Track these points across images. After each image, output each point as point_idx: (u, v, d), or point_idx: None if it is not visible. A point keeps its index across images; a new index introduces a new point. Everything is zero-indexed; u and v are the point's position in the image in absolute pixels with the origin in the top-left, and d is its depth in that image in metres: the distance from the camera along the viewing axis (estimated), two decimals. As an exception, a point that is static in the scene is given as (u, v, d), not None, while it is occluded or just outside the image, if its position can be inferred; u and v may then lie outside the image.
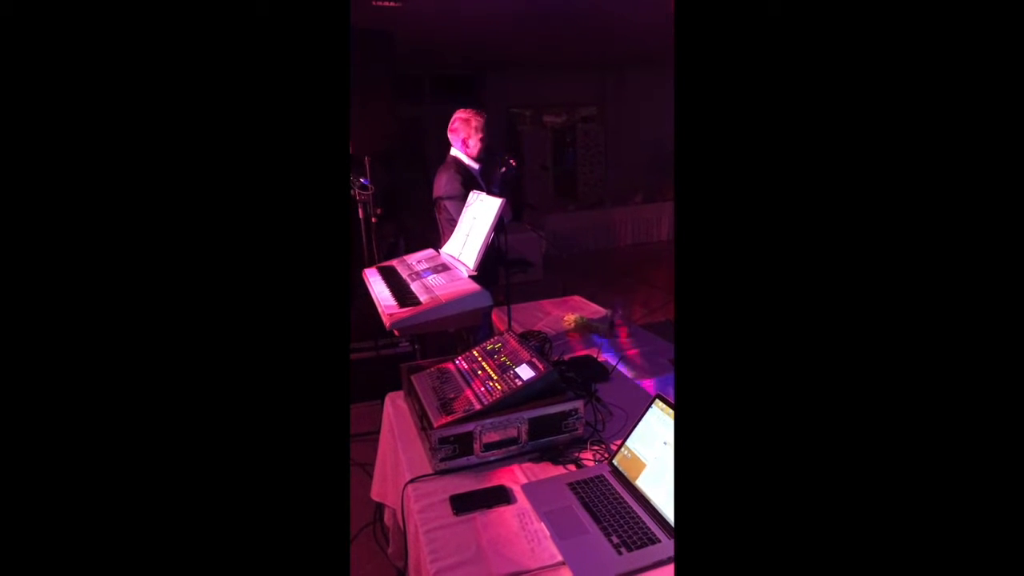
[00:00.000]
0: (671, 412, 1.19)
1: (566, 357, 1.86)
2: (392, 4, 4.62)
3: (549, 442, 1.34)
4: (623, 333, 2.82)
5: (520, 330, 2.97)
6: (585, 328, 2.87)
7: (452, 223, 2.23)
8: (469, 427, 1.26)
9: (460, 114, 2.41)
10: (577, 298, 3.49)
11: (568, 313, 3.07)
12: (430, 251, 2.26)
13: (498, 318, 3.16)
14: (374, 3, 4.53)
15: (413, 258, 2.22)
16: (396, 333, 1.67)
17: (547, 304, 3.38)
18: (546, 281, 6.12)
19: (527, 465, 1.30)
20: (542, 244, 6.33)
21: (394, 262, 2.23)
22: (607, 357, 2.20)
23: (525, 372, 1.38)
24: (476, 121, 2.40)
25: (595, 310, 3.23)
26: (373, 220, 3.07)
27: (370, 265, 2.32)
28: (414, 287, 1.84)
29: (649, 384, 2.19)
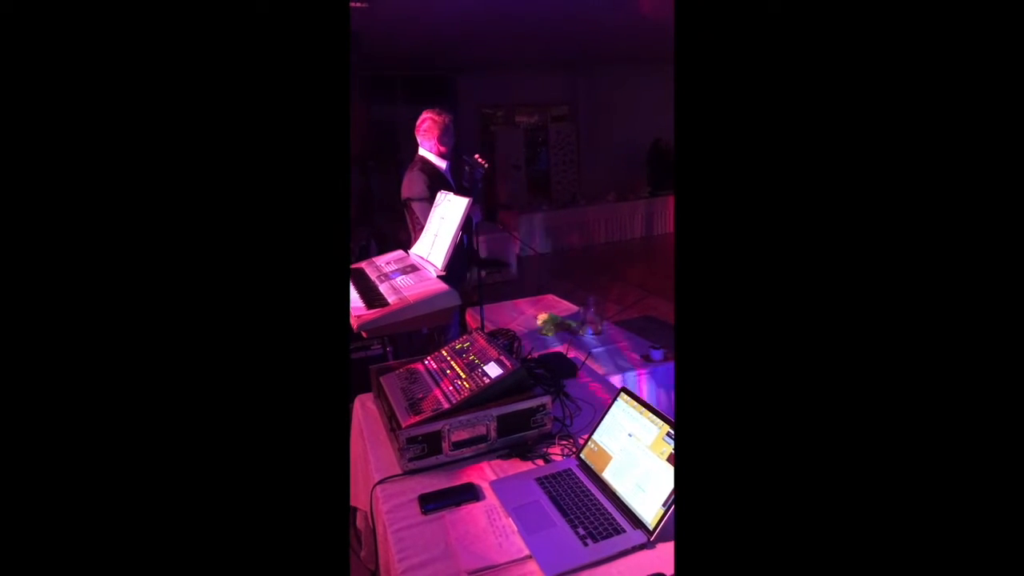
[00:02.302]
0: (635, 405, 1.21)
1: (535, 354, 1.87)
2: (360, 5, 4.60)
3: (518, 438, 1.35)
4: (594, 330, 2.84)
5: (493, 329, 2.98)
6: (558, 326, 2.89)
7: (419, 224, 2.23)
8: (437, 426, 1.27)
9: (428, 114, 2.41)
10: (551, 297, 3.51)
11: (541, 312, 3.09)
12: (399, 252, 2.25)
13: (472, 318, 3.16)
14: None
15: (382, 260, 2.21)
16: (364, 335, 1.67)
17: (521, 303, 3.40)
18: (521, 280, 6.15)
19: (496, 462, 1.30)
20: (516, 244, 6.35)
21: (363, 264, 2.22)
22: (577, 354, 2.23)
23: (493, 370, 1.39)
24: (444, 120, 2.40)
25: (568, 308, 3.26)
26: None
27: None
28: (382, 288, 1.84)
29: (618, 380, 2.22)
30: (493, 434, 1.32)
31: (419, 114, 2.49)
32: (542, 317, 3.01)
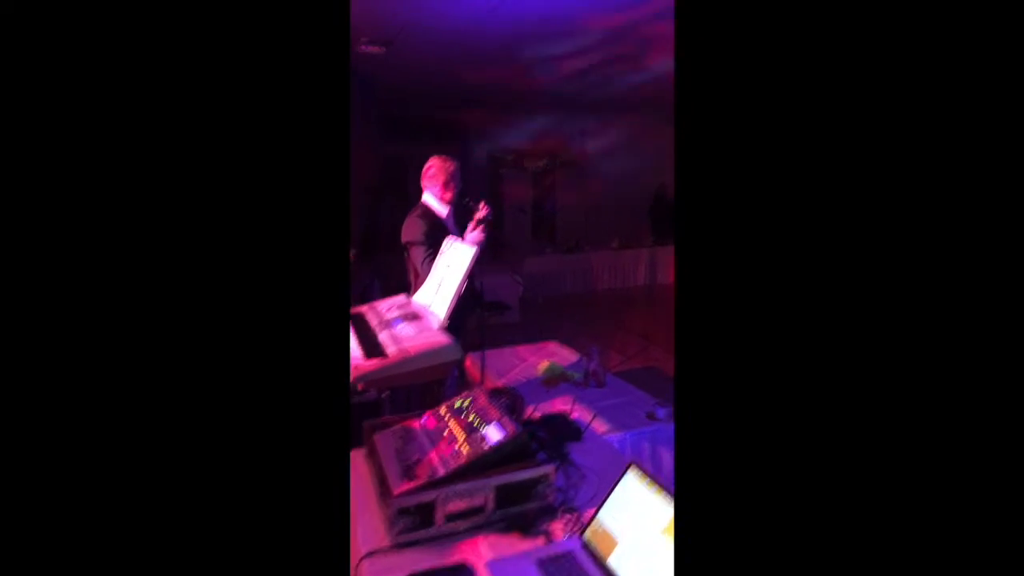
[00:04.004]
0: (645, 481, 1.12)
1: (537, 414, 1.79)
2: (377, 50, 4.70)
3: (518, 511, 1.25)
4: (597, 382, 2.77)
5: (494, 377, 2.89)
6: (560, 377, 2.81)
7: (415, 269, 2.19)
8: (431, 495, 1.18)
9: (434, 160, 2.39)
10: (553, 344, 3.43)
11: (543, 360, 3.01)
12: (402, 297, 2.19)
13: (472, 363, 3.08)
14: (360, 50, 4.60)
15: (384, 304, 2.15)
16: (360, 387, 1.59)
17: (523, 350, 3.32)
18: (523, 324, 6.07)
19: (493, 537, 1.21)
20: (519, 287, 6.30)
21: (364, 308, 2.16)
22: (581, 411, 2.14)
23: (493, 434, 1.31)
24: (450, 167, 2.38)
25: (570, 356, 3.18)
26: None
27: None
28: (381, 337, 1.77)
29: (624, 440, 2.13)
30: (491, 505, 1.23)
31: (428, 154, 2.48)
32: (543, 366, 2.93)
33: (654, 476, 1.11)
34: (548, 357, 3.10)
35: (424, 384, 2.61)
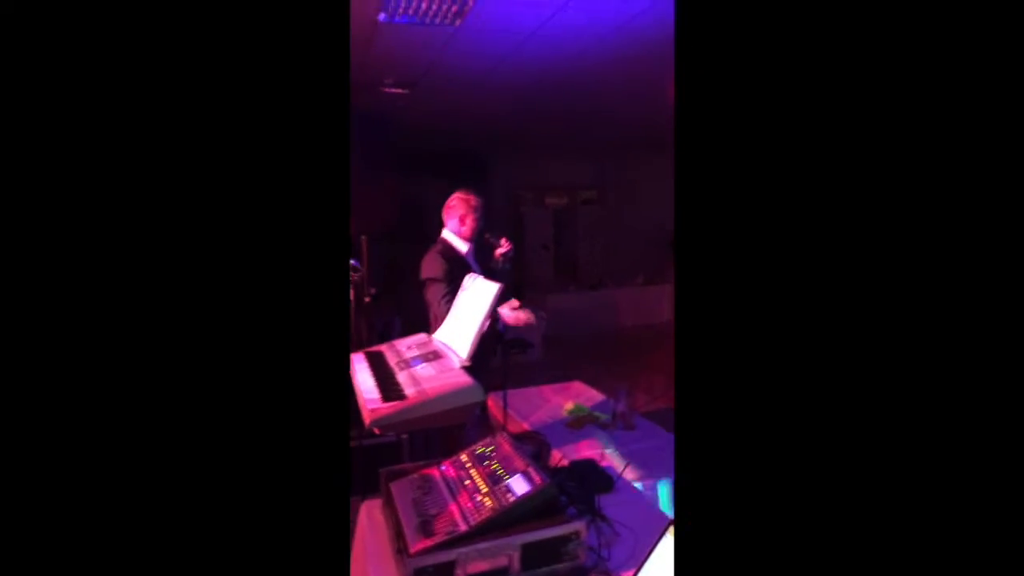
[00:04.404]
0: (690, 544, 1.01)
1: (565, 462, 1.68)
2: (400, 91, 4.79)
3: (547, 573, 1.14)
4: (626, 424, 2.65)
5: (518, 419, 2.78)
6: (586, 418, 2.70)
7: (433, 308, 2.12)
8: (451, 554, 1.07)
9: (458, 194, 2.36)
10: (578, 384, 3.32)
11: (568, 401, 2.90)
12: (423, 336, 2.12)
13: (494, 404, 2.98)
14: (385, 90, 4.69)
15: (404, 343, 2.07)
16: (377, 432, 1.51)
17: (547, 390, 3.22)
18: (546, 362, 5.95)
19: (519, 602, 1.10)
20: (542, 324, 6.20)
21: (383, 347, 2.09)
22: (611, 459, 2.02)
23: (519, 486, 1.20)
24: (474, 202, 2.34)
25: (595, 396, 3.07)
26: (366, 300, 2.96)
27: (358, 349, 2.18)
28: (400, 377, 1.69)
29: (654, 489, 2.00)
30: (516, 566, 1.12)
31: (448, 192, 2.45)
32: (568, 407, 2.83)
33: (699, 537, 1.00)
34: (573, 398, 2.99)
35: (484, 423, 2.53)
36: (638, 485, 2.05)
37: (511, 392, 3.17)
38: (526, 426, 2.71)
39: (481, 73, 4.31)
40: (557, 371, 4.28)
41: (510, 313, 2.23)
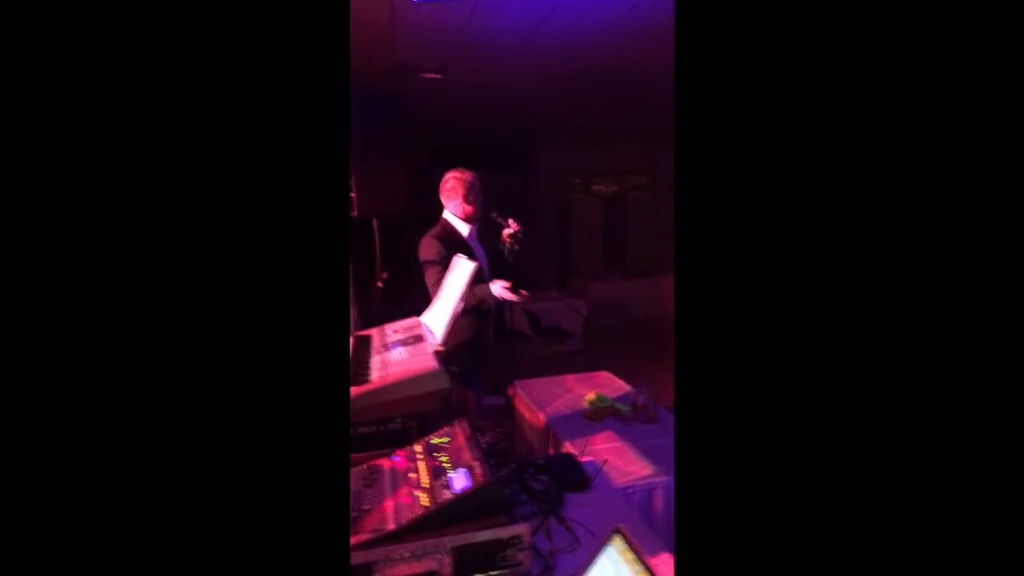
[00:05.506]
0: (628, 556, 0.85)
1: (588, 456, 1.54)
2: (434, 76, 4.71)
3: (482, 580, 1.01)
4: (647, 417, 2.48)
5: (534, 408, 2.65)
6: (607, 410, 2.55)
7: (430, 291, 2.02)
8: (370, 555, 0.97)
9: (452, 173, 2.24)
10: (604, 374, 3.16)
11: (590, 391, 2.75)
12: (413, 319, 2.03)
13: (520, 398, 2.86)
14: (423, 75, 4.63)
15: (393, 327, 1.99)
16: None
17: (570, 379, 3.07)
18: (586, 352, 5.76)
19: (447, 612, 0.97)
20: (582, 314, 6.01)
21: (373, 331, 2.01)
22: (613, 452, 1.86)
23: (459, 481, 1.08)
24: (469, 178, 2.21)
25: (622, 387, 2.91)
26: (379, 284, 2.91)
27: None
28: (373, 361, 1.60)
29: (651, 488, 1.83)
30: (448, 571, 1.00)
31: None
32: (589, 397, 2.67)
33: (638, 550, 0.84)
34: (596, 388, 2.83)
35: (446, 412, 2.43)
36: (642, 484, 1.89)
37: (534, 381, 3.05)
38: (541, 416, 2.58)
39: (512, 50, 4.14)
40: (596, 360, 4.10)
41: (500, 290, 2.09)
